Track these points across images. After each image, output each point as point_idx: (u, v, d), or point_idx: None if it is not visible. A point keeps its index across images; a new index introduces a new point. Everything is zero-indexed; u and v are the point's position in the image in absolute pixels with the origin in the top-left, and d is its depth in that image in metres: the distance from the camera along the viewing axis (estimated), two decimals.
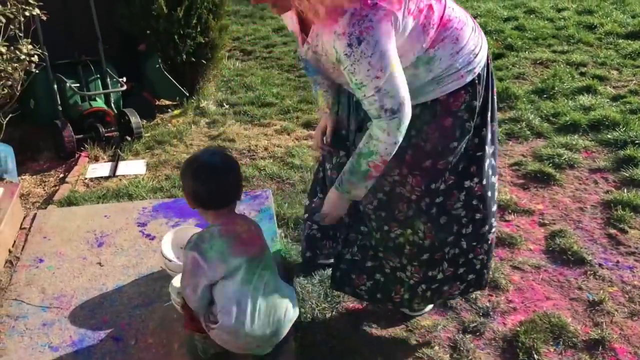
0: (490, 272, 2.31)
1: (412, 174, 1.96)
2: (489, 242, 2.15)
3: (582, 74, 4.71)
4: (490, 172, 2.07)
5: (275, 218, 2.91)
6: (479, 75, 1.89)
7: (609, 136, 3.67)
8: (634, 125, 3.73)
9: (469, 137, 1.96)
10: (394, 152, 1.76)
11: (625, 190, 3.13)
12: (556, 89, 4.39)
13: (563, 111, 4.03)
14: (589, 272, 2.60)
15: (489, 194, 2.07)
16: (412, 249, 2.08)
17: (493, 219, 2.13)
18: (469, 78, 1.86)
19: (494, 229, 2.16)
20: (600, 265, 2.64)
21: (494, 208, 2.14)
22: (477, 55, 1.88)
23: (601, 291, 2.47)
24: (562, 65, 4.88)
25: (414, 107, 1.76)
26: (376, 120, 1.71)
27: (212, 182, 1.86)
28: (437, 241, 2.06)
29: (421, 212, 2.02)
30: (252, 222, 2.05)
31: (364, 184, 1.84)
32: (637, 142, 3.53)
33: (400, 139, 1.74)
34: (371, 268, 2.19)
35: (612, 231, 2.85)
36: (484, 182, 2.04)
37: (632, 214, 2.93)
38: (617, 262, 2.65)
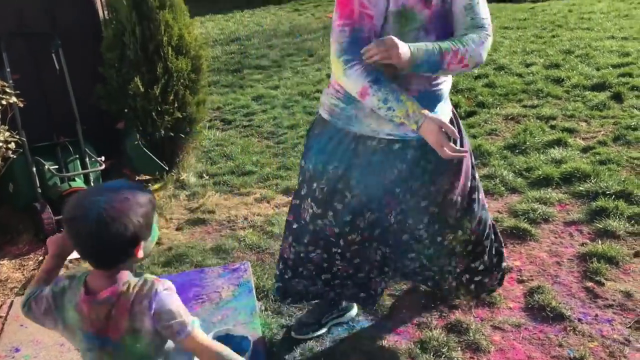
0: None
1: (457, 178, 2.28)
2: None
3: (552, 127, 4.83)
4: None
5: (254, 291, 2.91)
6: None
7: (580, 188, 3.74)
8: (604, 176, 3.81)
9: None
10: (472, 62, 1.99)
11: (599, 242, 3.17)
12: (528, 143, 4.50)
13: (535, 165, 4.12)
14: (568, 328, 2.60)
15: None
16: (462, 248, 2.43)
17: None
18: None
19: None
20: (579, 320, 2.64)
21: None
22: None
23: (582, 347, 2.47)
24: (532, 120, 5.01)
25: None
26: (478, 28, 2.00)
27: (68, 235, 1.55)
28: (480, 235, 2.45)
29: (465, 211, 2.37)
30: (132, 301, 1.53)
31: (435, 57, 1.94)
32: (607, 193, 3.60)
33: (480, 61, 2.02)
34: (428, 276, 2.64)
35: (589, 284, 2.87)
36: None
37: (607, 265, 2.96)
38: (596, 315, 2.66)
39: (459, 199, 2.32)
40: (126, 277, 1.55)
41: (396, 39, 1.87)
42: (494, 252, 2.56)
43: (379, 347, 2.57)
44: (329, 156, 2.22)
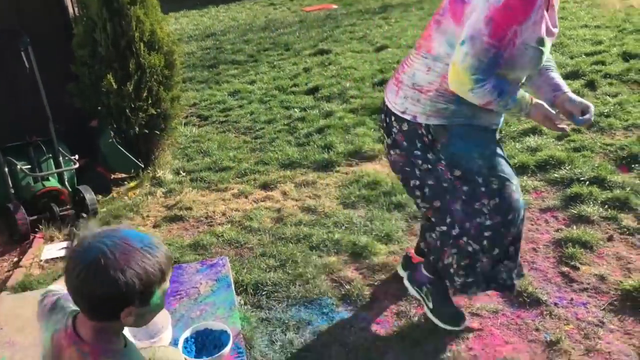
0: None
1: None
2: None
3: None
4: None
5: (233, 286, 2.90)
6: None
7: (555, 175, 3.78)
8: (578, 162, 3.86)
9: None
10: None
11: (574, 227, 3.21)
12: (503, 132, 4.54)
13: (511, 154, 4.16)
14: (545, 312, 2.63)
15: None
16: None
17: None
18: None
19: None
20: (555, 304, 2.68)
21: None
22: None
23: (557, 330, 2.51)
24: None
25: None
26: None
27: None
28: None
29: None
30: None
31: None
32: (582, 179, 3.65)
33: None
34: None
35: (565, 269, 2.91)
36: None
37: (582, 250, 3.00)
38: (571, 299, 2.70)
39: None
40: (113, 345, 1.39)
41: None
42: None
43: (359, 337, 2.58)
44: (484, 144, 2.32)
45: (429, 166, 2.35)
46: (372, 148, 4.61)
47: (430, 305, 2.63)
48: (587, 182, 3.61)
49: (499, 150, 2.35)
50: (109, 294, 1.30)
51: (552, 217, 3.39)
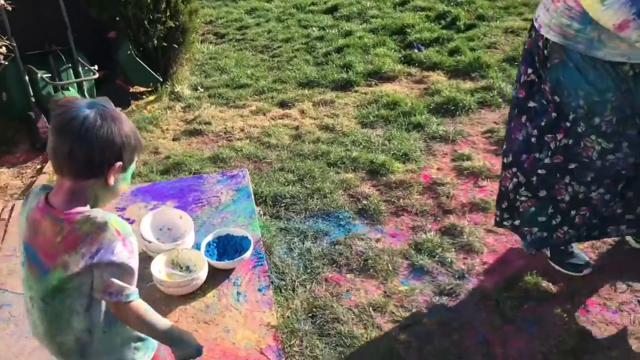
0: None
1: None
2: None
3: None
4: None
5: (252, 196, 2.95)
6: None
7: None
8: None
9: None
10: None
11: None
12: None
13: None
14: None
15: None
16: None
17: None
18: None
19: None
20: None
21: None
22: None
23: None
24: None
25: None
26: None
27: (50, 134, 1.37)
28: None
29: None
30: (77, 239, 1.33)
31: None
32: None
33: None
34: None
35: None
36: None
37: None
38: None
39: None
40: (87, 208, 1.37)
41: None
42: None
43: (374, 247, 2.65)
44: (598, 87, 1.97)
45: (536, 79, 2.16)
46: (392, 68, 4.54)
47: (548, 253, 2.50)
48: None
49: (616, 103, 1.97)
50: (108, 143, 1.32)
51: None
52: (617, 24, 1.74)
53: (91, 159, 1.33)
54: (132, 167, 1.43)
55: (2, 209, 2.93)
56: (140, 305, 1.41)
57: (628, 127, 2.02)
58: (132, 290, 1.37)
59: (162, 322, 1.46)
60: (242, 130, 3.91)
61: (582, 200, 2.19)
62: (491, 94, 3.99)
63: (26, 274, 1.45)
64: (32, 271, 1.42)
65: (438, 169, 3.26)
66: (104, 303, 1.41)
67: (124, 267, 1.34)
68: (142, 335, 1.50)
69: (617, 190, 2.18)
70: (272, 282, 2.42)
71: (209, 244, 2.50)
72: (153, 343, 1.55)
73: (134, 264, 1.37)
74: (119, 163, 1.35)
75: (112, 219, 1.34)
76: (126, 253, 1.34)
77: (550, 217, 2.26)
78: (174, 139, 3.86)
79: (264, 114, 4.13)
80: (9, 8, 3.26)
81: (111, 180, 1.37)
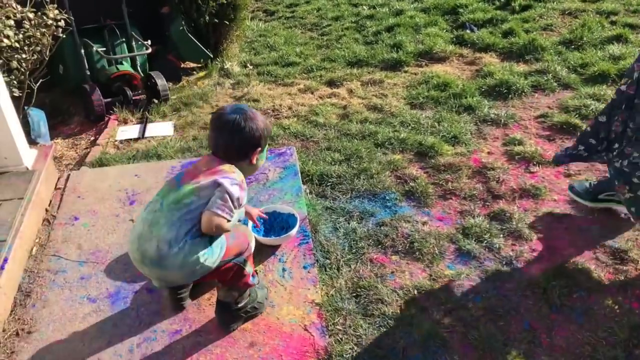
0: None
1: None
2: None
3: (612, 22, 4.58)
4: None
5: (299, 174, 2.96)
6: None
7: None
8: None
9: None
10: None
11: None
12: (585, 39, 4.29)
13: (591, 61, 3.95)
14: (614, 221, 2.59)
15: None
16: None
17: None
18: None
19: None
20: (625, 214, 2.62)
21: None
22: None
23: (626, 240, 2.47)
24: (591, 15, 4.74)
25: None
26: None
27: (210, 129, 2.00)
28: None
29: None
30: (217, 172, 1.88)
31: None
32: None
33: None
34: (635, 184, 2.32)
35: None
36: None
37: None
38: None
39: None
40: (233, 169, 1.90)
41: None
42: None
43: (420, 231, 2.62)
44: None
45: None
46: (444, 49, 4.46)
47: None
48: None
49: None
50: (252, 137, 1.93)
51: None
52: None
53: (241, 149, 1.93)
54: (266, 147, 2.03)
55: (58, 179, 3.03)
56: (228, 226, 1.86)
57: None
58: (235, 215, 1.86)
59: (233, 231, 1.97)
60: (290, 108, 3.92)
61: None
62: (546, 78, 3.87)
63: (163, 188, 1.97)
64: (170, 185, 1.94)
65: (488, 152, 3.19)
66: (189, 225, 1.82)
67: (235, 197, 1.83)
68: (209, 250, 1.87)
69: None
70: (317, 260, 2.43)
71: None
72: (221, 243, 1.92)
73: (242, 201, 1.88)
74: (259, 148, 1.96)
75: (243, 178, 1.91)
76: (240, 192, 1.85)
77: None
78: None
79: (312, 93, 4.12)
80: None
81: (254, 160, 1.97)
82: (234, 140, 1.91)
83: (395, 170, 3.09)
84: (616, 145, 2.38)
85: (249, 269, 2.04)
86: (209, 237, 1.87)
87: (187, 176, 1.91)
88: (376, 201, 2.86)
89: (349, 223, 2.69)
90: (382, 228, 2.65)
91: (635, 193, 2.32)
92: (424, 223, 2.68)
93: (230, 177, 1.85)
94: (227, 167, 1.89)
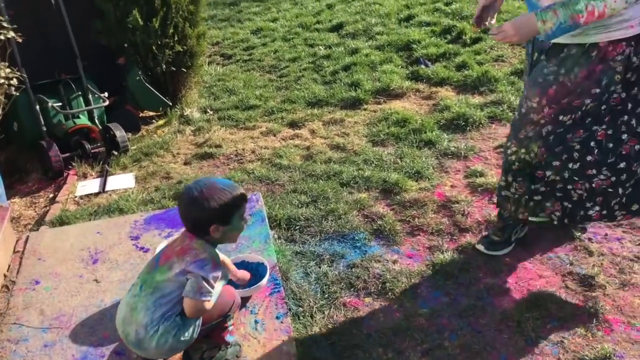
0: (595, 210, 2.36)
1: (549, 106, 2.19)
2: (594, 185, 2.29)
3: None
4: (624, 129, 2.20)
5: (267, 220, 2.93)
6: None
7: None
8: None
9: (616, 89, 2.10)
10: (615, 12, 1.89)
11: None
12: None
13: None
14: (579, 247, 2.64)
15: (610, 145, 2.22)
16: (520, 165, 2.35)
17: (605, 169, 2.26)
18: (637, 31, 2.00)
19: (602, 177, 2.27)
20: (589, 239, 2.68)
21: (611, 160, 2.24)
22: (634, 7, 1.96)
23: (592, 265, 2.52)
24: None
25: (571, 47, 2.06)
26: None
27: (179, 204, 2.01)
28: (544, 162, 2.30)
29: (539, 137, 2.26)
30: (188, 250, 1.91)
31: (566, 22, 1.92)
32: None
33: (627, 6, 1.88)
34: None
35: None
36: (610, 132, 2.20)
37: None
38: (606, 234, 2.70)
39: (542, 122, 2.23)
40: (204, 247, 1.91)
41: (519, 24, 2.01)
42: (558, 187, 2.35)
43: (392, 270, 2.61)
44: None
45: None
46: (400, 85, 4.54)
47: None
48: None
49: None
50: (200, 215, 1.88)
51: None
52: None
53: (195, 227, 1.93)
54: (237, 218, 1.94)
55: (17, 241, 2.92)
56: (209, 304, 1.90)
57: None
58: (213, 293, 1.89)
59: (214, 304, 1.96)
60: (253, 152, 3.91)
61: None
62: (501, 108, 3.97)
63: (143, 270, 2.00)
64: (149, 267, 1.97)
65: (452, 186, 3.23)
66: (164, 309, 1.86)
67: (209, 278, 1.86)
68: (182, 328, 1.91)
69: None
70: (289, 309, 2.39)
71: None
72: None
73: (217, 283, 1.91)
74: (215, 225, 1.88)
75: (213, 251, 1.94)
76: (212, 272, 1.88)
77: None
78: (185, 163, 3.86)
79: (275, 135, 4.13)
80: (19, 40, 3.29)
81: (216, 235, 1.91)
82: (188, 215, 1.93)
83: (362, 209, 3.09)
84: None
85: (230, 323, 2.07)
86: (181, 316, 1.91)
87: (163, 257, 1.95)
88: (345, 242, 2.85)
89: (319, 267, 2.67)
90: (353, 270, 2.64)
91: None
92: (394, 262, 2.68)
93: (200, 259, 1.88)
94: (198, 244, 1.91)
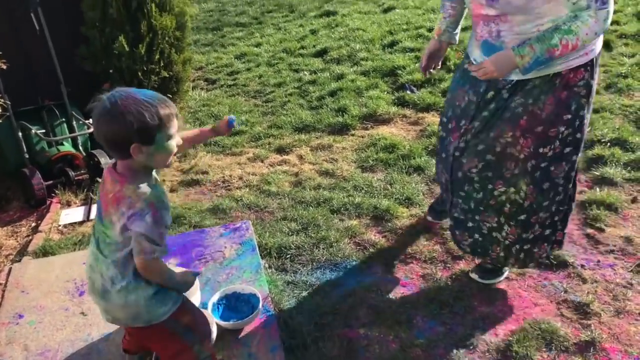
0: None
1: (524, 137, 2.20)
2: (573, 204, 2.46)
3: None
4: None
5: (257, 249, 2.89)
6: (597, 58, 2.14)
7: None
8: (598, 124, 3.83)
9: (584, 114, 2.19)
10: (586, 43, 1.98)
11: (597, 189, 3.19)
12: None
13: None
14: (572, 274, 2.64)
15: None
16: (512, 208, 2.32)
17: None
18: (591, 57, 2.11)
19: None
20: (582, 266, 2.68)
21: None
22: (599, 37, 2.08)
23: (586, 292, 2.51)
24: None
25: (534, 79, 2.11)
26: (585, 11, 1.93)
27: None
28: (535, 204, 2.29)
29: (526, 173, 2.25)
30: (121, 199, 1.67)
31: (543, 56, 1.99)
32: (603, 140, 3.62)
33: (601, 33, 1.97)
34: (471, 228, 2.47)
35: (590, 231, 2.90)
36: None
37: (606, 212, 2.99)
38: (598, 261, 2.70)
39: (522, 157, 2.23)
40: (139, 180, 1.67)
41: (498, 60, 2.07)
42: (547, 224, 2.37)
43: (386, 299, 2.58)
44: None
45: None
46: (387, 111, 4.56)
47: None
48: (608, 144, 3.58)
49: (452, 84, 2.53)
50: (114, 133, 1.60)
51: None
52: None
53: (112, 147, 1.64)
54: (162, 136, 1.63)
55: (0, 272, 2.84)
56: (162, 263, 1.75)
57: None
58: (159, 249, 1.67)
59: (175, 274, 1.83)
60: (240, 178, 3.86)
61: None
62: None
63: (95, 222, 1.82)
64: (97, 216, 1.78)
65: None
66: (131, 264, 1.71)
67: (151, 234, 1.63)
68: (157, 295, 1.78)
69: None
70: (283, 342, 2.33)
71: (216, 304, 2.42)
72: (174, 296, 1.84)
73: (162, 230, 1.66)
74: (136, 145, 1.60)
75: (150, 193, 1.64)
76: (154, 223, 1.62)
77: None
78: (171, 191, 3.80)
79: (262, 161, 4.10)
80: (3, 67, 3.23)
81: (139, 157, 1.63)
82: (103, 132, 1.62)
83: (354, 236, 3.06)
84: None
85: (199, 354, 1.93)
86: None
87: (103, 208, 1.74)
88: (338, 271, 2.81)
89: (312, 297, 2.62)
90: (346, 300, 2.60)
91: (473, 237, 2.49)
92: (388, 291, 2.64)
93: (136, 211, 1.63)
94: (130, 190, 1.64)
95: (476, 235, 2.47)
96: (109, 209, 1.69)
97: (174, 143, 1.70)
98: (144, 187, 1.65)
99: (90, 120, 3.92)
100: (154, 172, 1.77)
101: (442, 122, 2.57)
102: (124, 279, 1.73)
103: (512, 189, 2.29)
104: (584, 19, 1.93)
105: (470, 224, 2.47)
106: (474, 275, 2.65)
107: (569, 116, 2.16)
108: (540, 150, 2.20)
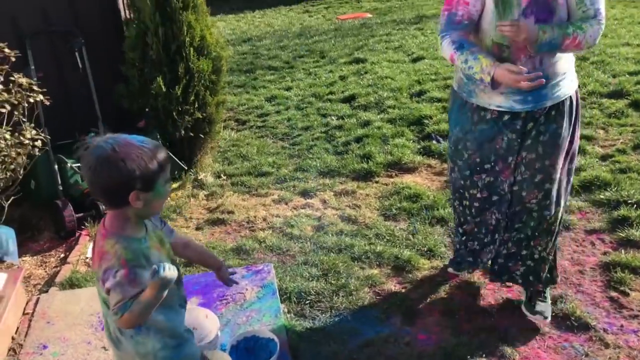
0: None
1: (565, 160, 2.52)
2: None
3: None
4: None
5: (277, 293, 2.92)
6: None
7: (601, 196, 3.74)
8: (625, 184, 3.82)
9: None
10: (586, 46, 2.27)
11: (622, 252, 3.17)
12: None
13: None
14: (594, 338, 2.61)
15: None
16: (555, 226, 2.63)
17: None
18: (577, 82, 2.55)
19: None
20: (604, 330, 2.65)
21: None
22: (590, 48, 2.55)
23: (608, 358, 2.48)
24: None
25: (557, 104, 2.41)
26: (592, 19, 2.25)
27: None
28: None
29: (561, 188, 2.57)
30: (102, 255, 1.61)
31: (557, 39, 2.22)
32: (629, 201, 3.60)
33: (592, 44, 2.29)
34: (524, 256, 2.69)
35: (614, 294, 2.88)
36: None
37: (631, 275, 2.97)
38: (622, 326, 2.67)
39: (564, 178, 2.56)
40: (126, 231, 1.62)
41: (529, 27, 2.20)
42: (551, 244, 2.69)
43: (404, 351, 2.58)
44: (455, 121, 2.65)
45: None
46: (412, 160, 4.61)
47: None
48: (635, 205, 3.56)
49: (478, 136, 2.54)
50: (115, 181, 1.53)
51: (599, 239, 3.35)
52: (450, 59, 2.40)
53: (108, 196, 1.59)
54: (161, 182, 1.61)
55: (27, 303, 2.91)
56: (133, 311, 1.54)
57: (457, 157, 2.68)
58: (119, 306, 1.54)
59: (145, 300, 1.54)
60: (264, 219, 3.93)
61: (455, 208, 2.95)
62: None
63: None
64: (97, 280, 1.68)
65: None
66: None
67: (119, 293, 1.53)
68: (170, 345, 1.75)
69: (464, 206, 2.79)
70: None
71: (235, 347, 2.45)
72: (179, 341, 1.79)
73: (137, 290, 1.53)
74: (136, 192, 1.56)
75: (125, 250, 1.56)
76: (127, 282, 1.53)
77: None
78: (197, 228, 3.87)
79: (286, 203, 4.16)
80: (47, 103, 3.39)
81: (137, 205, 1.59)
82: (100, 181, 1.55)
83: (374, 286, 3.08)
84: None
85: None
86: (163, 329, 1.75)
87: (93, 263, 1.71)
88: (357, 320, 2.82)
89: (330, 345, 2.63)
90: (364, 350, 2.60)
91: (526, 264, 2.71)
92: (407, 343, 2.64)
93: (108, 267, 1.55)
94: (109, 245, 1.58)
95: (528, 262, 2.69)
96: (95, 267, 1.64)
97: (169, 188, 1.69)
98: (122, 242, 1.59)
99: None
100: (146, 222, 1.73)
101: (484, 169, 2.60)
102: (132, 332, 1.70)
103: (559, 208, 2.58)
104: (591, 23, 2.24)
105: (524, 252, 2.68)
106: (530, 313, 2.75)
107: (578, 133, 2.57)
108: (567, 167, 2.56)
